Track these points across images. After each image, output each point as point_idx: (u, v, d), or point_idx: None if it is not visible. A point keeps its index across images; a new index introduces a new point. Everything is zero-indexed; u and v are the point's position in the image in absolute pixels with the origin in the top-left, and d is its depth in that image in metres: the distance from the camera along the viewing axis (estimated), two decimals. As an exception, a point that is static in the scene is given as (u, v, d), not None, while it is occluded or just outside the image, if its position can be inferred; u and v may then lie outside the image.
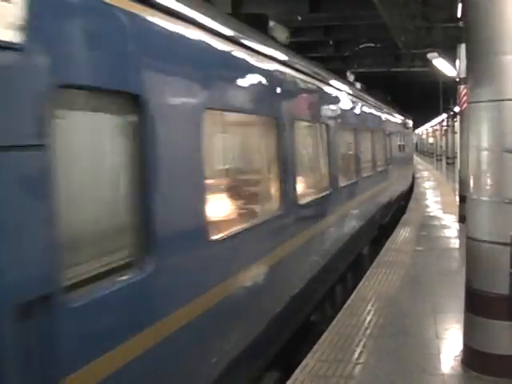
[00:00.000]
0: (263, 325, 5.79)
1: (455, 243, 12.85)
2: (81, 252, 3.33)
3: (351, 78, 16.38)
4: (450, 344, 6.35)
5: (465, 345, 5.72)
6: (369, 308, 7.69)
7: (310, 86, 8.24)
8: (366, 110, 14.34)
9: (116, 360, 3.31)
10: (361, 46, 24.12)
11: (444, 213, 17.57)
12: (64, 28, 3.03)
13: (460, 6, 12.12)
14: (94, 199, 3.52)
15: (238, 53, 5.47)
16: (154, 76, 3.90)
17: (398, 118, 23.47)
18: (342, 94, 10.80)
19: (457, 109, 22.81)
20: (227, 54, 5.24)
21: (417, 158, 54.93)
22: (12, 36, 2.58)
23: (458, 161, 21.52)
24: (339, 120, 10.18)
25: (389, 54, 27.77)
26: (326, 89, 9.42)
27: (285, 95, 6.80)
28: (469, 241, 5.62)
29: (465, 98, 13.37)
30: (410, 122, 30.71)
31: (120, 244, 3.61)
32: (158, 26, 3.94)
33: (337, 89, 10.32)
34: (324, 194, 8.46)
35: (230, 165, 5.98)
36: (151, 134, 3.70)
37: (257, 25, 6.48)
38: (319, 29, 22.55)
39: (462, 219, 13.93)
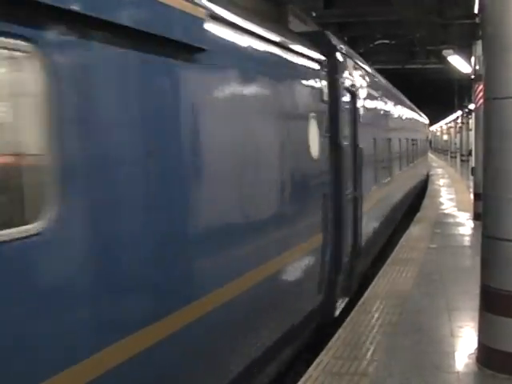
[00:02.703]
0: None
1: (469, 241, 12.80)
2: None
3: None
4: (464, 342, 6.32)
5: (480, 343, 5.70)
6: (383, 305, 7.67)
7: None
8: None
9: None
10: (375, 43, 24.02)
11: (458, 210, 17.50)
12: None
13: (477, 1, 12.06)
14: None
15: None
16: None
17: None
18: None
19: (472, 106, 22.69)
20: None
21: (431, 155, 54.62)
22: None
23: (472, 158, 21.41)
24: None
25: (404, 50, 27.62)
26: None
27: None
28: (484, 238, 5.59)
29: (480, 94, 13.29)
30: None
31: None
32: None
33: None
34: None
35: None
36: None
37: None
38: (334, 25, 22.46)
39: (477, 217, 13.88)
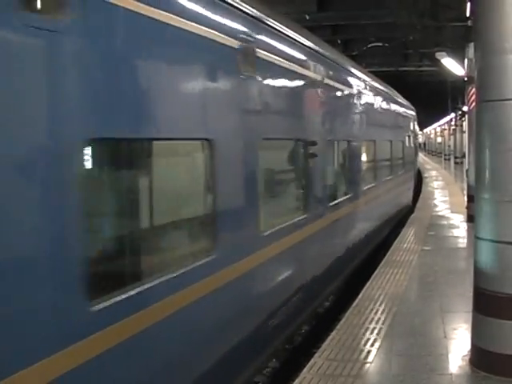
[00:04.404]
0: None
1: (463, 243, 12.82)
2: None
3: None
4: (458, 344, 6.33)
5: (473, 345, 5.71)
6: (377, 308, 7.68)
7: None
8: None
9: None
10: (369, 46, 24.11)
11: (452, 212, 17.53)
12: None
13: (469, 4, 12.11)
14: None
15: None
16: None
17: None
18: None
19: (465, 108, 22.76)
20: None
21: (425, 158, 54.79)
22: None
23: (466, 160, 21.45)
24: None
25: (397, 53, 27.75)
26: None
27: None
28: (477, 240, 5.61)
29: (473, 97, 13.34)
30: None
31: None
32: None
33: None
34: None
35: None
36: None
37: None
38: (327, 28, 22.56)
39: (470, 219, 13.92)
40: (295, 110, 7.88)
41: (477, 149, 5.70)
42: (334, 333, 6.72)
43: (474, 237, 5.73)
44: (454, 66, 19.43)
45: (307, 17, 18.31)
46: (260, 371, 6.62)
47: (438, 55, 18.40)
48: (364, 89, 12.48)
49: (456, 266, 10.23)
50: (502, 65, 5.24)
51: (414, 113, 24.51)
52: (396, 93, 19.17)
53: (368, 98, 12.92)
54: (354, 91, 11.50)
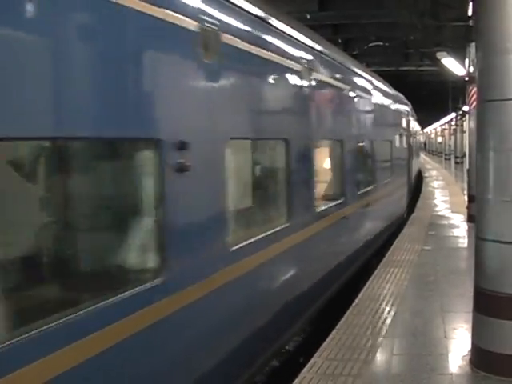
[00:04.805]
0: None
1: (463, 243, 12.82)
2: None
3: None
4: (458, 344, 6.33)
5: (473, 344, 5.71)
6: (377, 307, 7.67)
7: None
8: None
9: None
10: (370, 45, 24.10)
11: (452, 212, 17.52)
12: None
13: (471, 4, 12.11)
14: None
15: None
16: None
17: None
18: None
19: (466, 108, 22.74)
20: None
21: (425, 158, 54.80)
22: None
23: (466, 160, 21.45)
24: None
25: (398, 52, 27.74)
26: None
27: None
28: (477, 240, 5.61)
29: (474, 96, 13.33)
30: None
31: None
32: None
33: None
34: None
35: None
36: None
37: None
38: (328, 27, 22.56)
39: (471, 219, 13.92)
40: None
41: (478, 149, 5.69)
42: (334, 332, 6.72)
43: (474, 237, 5.73)
44: (454, 66, 19.42)
45: (308, 16, 18.31)
46: (260, 371, 6.59)
47: (438, 55, 18.41)
48: (323, 66, 8.66)
49: (456, 266, 10.23)
50: (503, 65, 5.24)
51: (408, 108, 20.92)
52: (382, 80, 15.20)
53: (331, 80, 9.20)
54: (304, 66, 7.49)
